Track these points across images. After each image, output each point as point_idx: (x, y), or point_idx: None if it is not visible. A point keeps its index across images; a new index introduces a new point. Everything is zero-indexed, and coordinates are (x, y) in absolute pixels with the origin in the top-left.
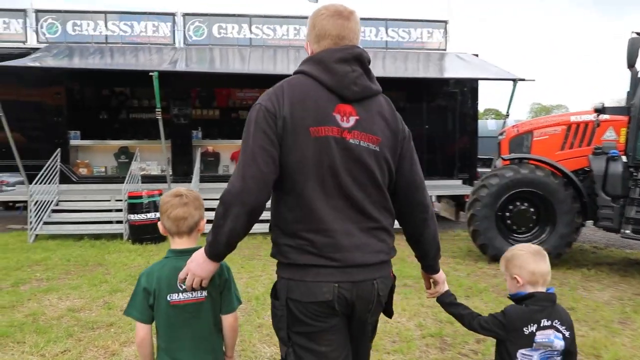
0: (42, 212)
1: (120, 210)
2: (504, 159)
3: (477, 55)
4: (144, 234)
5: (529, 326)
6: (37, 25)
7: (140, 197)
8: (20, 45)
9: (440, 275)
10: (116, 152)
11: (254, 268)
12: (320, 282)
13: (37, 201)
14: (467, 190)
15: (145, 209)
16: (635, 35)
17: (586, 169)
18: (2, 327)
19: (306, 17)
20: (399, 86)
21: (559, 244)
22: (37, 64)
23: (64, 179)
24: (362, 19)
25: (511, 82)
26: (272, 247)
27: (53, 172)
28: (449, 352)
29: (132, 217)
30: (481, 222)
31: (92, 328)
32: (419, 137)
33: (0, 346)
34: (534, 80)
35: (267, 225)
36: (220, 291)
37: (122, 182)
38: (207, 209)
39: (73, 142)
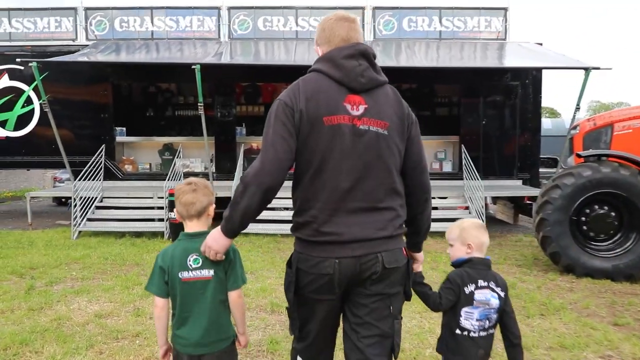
0: (86, 208)
1: (162, 208)
2: (579, 156)
3: (540, 45)
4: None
5: (469, 285)
6: (86, 23)
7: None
8: (70, 43)
9: (421, 255)
10: (160, 149)
11: None
12: (323, 257)
13: (81, 198)
14: (528, 191)
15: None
16: None
17: None
18: (24, 332)
19: (354, 8)
20: (453, 79)
21: None
22: (84, 59)
23: (110, 176)
24: (412, 8)
25: (582, 73)
26: (293, 221)
27: (98, 168)
28: None
29: (172, 215)
30: (553, 228)
31: (117, 338)
32: (474, 134)
33: (16, 356)
34: (610, 68)
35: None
36: (226, 271)
37: (166, 179)
38: None
39: (119, 139)
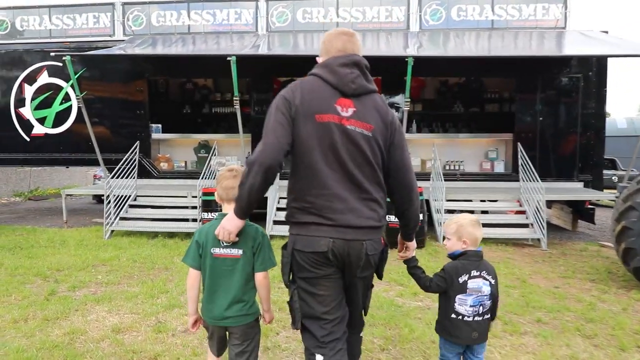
0: (120, 207)
1: (196, 208)
2: None
3: (606, 33)
4: None
5: (462, 276)
6: (123, 18)
7: (215, 193)
8: (107, 38)
9: (413, 244)
10: (196, 147)
11: None
12: (319, 236)
13: (115, 196)
14: (590, 194)
15: (220, 206)
16: None
17: None
18: (32, 349)
19: None
20: (507, 71)
21: None
22: (117, 52)
23: (146, 174)
24: None
25: None
26: (286, 212)
27: (132, 166)
28: None
29: (206, 215)
30: (638, 239)
31: None
32: (531, 132)
33: None
34: None
35: None
36: (254, 252)
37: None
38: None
39: (155, 136)
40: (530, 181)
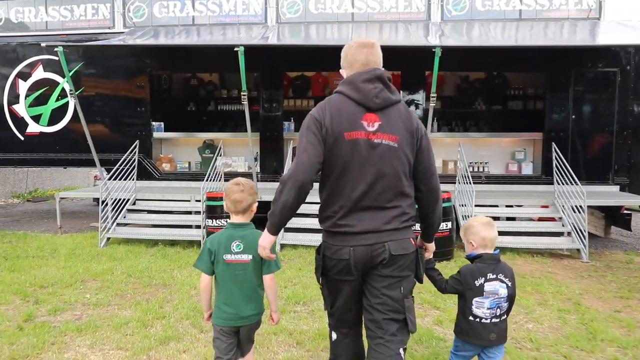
0: (117, 212)
1: (200, 213)
2: None
3: None
4: None
5: (479, 279)
6: (124, 9)
7: (220, 198)
8: (107, 31)
9: (432, 246)
10: (200, 146)
11: None
12: (341, 246)
13: (113, 200)
14: (627, 199)
15: (226, 213)
16: None
17: None
18: None
19: None
20: (536, 65)
21: None
22: (118, 43)
23: (147, 175)
24: None
25: None
26: (319, 217)
27: (131, 167)
28: None
29: (210, 222)
30: None
31: None
32: (562, 131)
33: None
34: None
35: None
36: (261, 257)
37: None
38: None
39: (156, 135)
40: (565, 184)
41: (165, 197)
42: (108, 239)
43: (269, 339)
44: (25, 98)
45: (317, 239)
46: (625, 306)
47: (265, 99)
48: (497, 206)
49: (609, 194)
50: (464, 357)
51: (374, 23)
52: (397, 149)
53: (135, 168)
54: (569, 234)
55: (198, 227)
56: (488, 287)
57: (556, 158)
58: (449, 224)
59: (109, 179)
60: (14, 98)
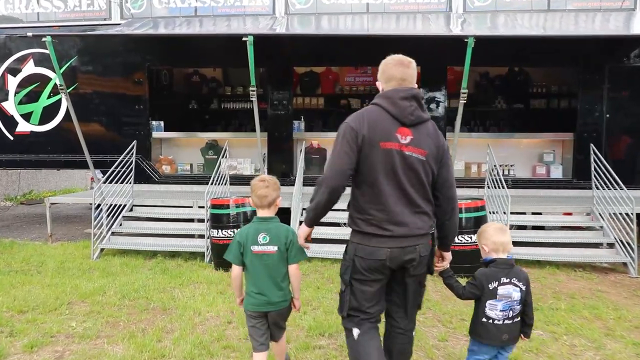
0: (112, 219)
1: (203, 221)
2: None
3: None
4: None
5: (492, 283)
6: None
7: (227, 206)
8: (102, 22)
9: (449, 255)
10: (203, 147)
11: None
12: (379, 247)
13: (108, 206)
14: None
15: (233, 222)
16: None
17: None
18: None
19: None
20: (566, 61)
21: None
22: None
23: (145, 178)
24: None
25: None
26: (348, 219)
27: (128, 169)
28: None
29: (215, 233)
30: None
31: None
32: (595, 131)
33: None
34: None
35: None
36: (287, 248)
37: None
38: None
39: (156, 134)
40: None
41: (165, 203)
42: (102, 249)
43: None
44: (15, 95)
45: (335, 251)
46: None
47: (274, 96)
48: (524, 213)
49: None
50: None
51: (391, 15)
52: (424, 162)
53: (133, 170)
54: (610, 245)
55: (201, 236)
56: (501, 290)
57: (595, 160)
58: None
59: (104, 182)
60: (3, 95)
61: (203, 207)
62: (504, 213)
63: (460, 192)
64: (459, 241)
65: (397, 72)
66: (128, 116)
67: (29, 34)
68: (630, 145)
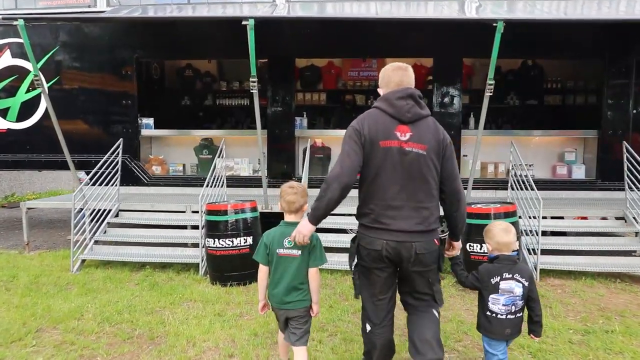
0: (96, 226)
1: (197, 228)
2: None
3: None
4: (229, 269)
5: (494, 278)
6: None
7: (224, 212)
8: (86, 9)
9: (459, 244)
10: (197, 146)
11: None
12: (377, 238)
13: (91, 211)
14: None
15: (231, 230)
16: None
17: None
18: None
19: None
20: (592, 52)
21: None
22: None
23: (133, 180)
24: None
25: None
26: (356, 212)
27: (115, 170)
28: None
29: (211, 242)
30: None
31: None
32: (621, 128)
33: None
34: None
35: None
36: (309, 252)
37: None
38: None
39: (145, 132)
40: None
41: (155, 207)
42: (83, 260)
43: None
44: None
45: (346, 261)
46: None
47: (274, 91)
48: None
49: None
50: (499, 355)
51: (400, 1)
52: (425, 156)
53: (119, 171)
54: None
55: (195, 245)
56: (503, 285)
57: (628, 159)
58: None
59: (89, 184)
60: None
61: (197, 212)
62: (532, 217)
63: (476, 194)
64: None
65: (395, 76)
66: (115, 112)
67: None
68: None
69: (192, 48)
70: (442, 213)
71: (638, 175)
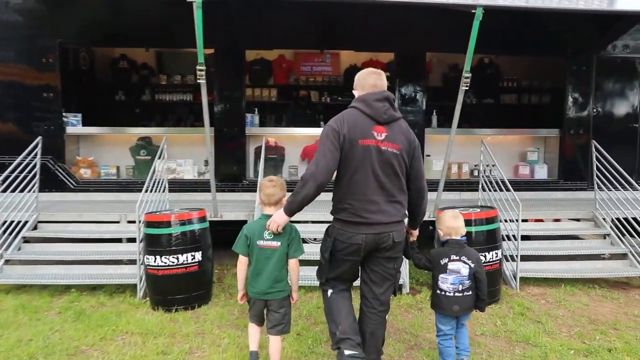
0: (7, 241)
1: (134, 240)
2: None
3: None
4: (174, 291)
5: (443, 259)
6: None
7: (166, 223)
8: None
9: (416, 231)
10: (134, 146)
11: None
12: (356, 233)
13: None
14: None
15: (176, 245)
16: None
17: None
18: None
19: None
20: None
21: None
22: None
23: (57, 185)
24: None
25: None
26: (332, 208)
27: (33, 174)
28: None
29: (151, 260)
30: None
31: None
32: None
33: None
34: None
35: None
36: (288, 244)
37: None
38: None
39: (71, 130)
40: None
41: (84, 218)
42: None
43: None
44: None
45: (311, 276)
46: None
47: (223, 85)
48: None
49: None
50: (446, 335)
51: None
52: (398, 155)
53: (38, 175)
54: (623, 255)
55: (132, 262)
56: (451, 266)
57: (598, 158)
58: (498, 253)
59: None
60: None
61: (134, 221)
62: (509, 221)
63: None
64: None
65: (370, 79)
66: (34, 107)
67: None
68: (620, 142)
69: (126, 34)
70: None
71: (608, 175)
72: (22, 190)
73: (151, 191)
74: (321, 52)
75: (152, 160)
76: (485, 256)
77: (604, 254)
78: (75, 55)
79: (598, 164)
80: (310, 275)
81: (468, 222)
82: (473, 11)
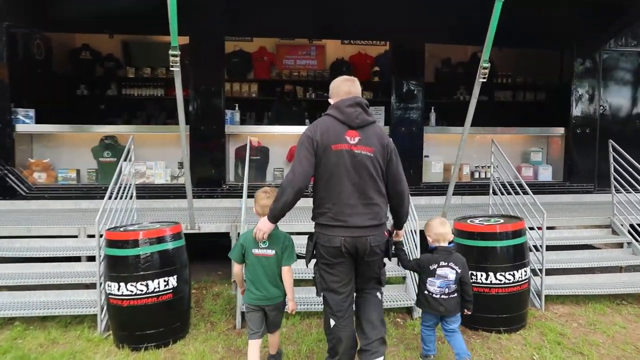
0: None
1: (94, 259)
2: None
3: None
4: (143, 326)
5: (432, 265)
6: None
7: (133, 242)
8: None
9: (402, 232)
10: (96, 146)
11: None
12: (334, 235)
13: None
14: None
15: (145, 269)
16: None
17: None
18: None
19: None
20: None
21: None
22: None
23: (5, 192)
24: None
25: None
26: (312, 214)
27: None
28: None
29: (114, 288)
30: None
31: None
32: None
33: None
34: None
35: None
36: (282, 252)
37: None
38: None
39: (22, 128)
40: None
41: (33, 232)
42: None
43: None
44: None
45: (307, 299)
46: None
47: (199, 77)
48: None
49: None
50: (429, 326)
51: None
52: (372, 157)
53: None
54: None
55: (91, 286)
56: (440, 271)
57: (615, 159)
58: (526, 272)
59: None
60: None
61: (93, 235)
62: (532, 229)
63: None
64: (499, 281)
65: (344, 86)
66: None
67: None
68: (630, 143)
69: (86, 17)
70: None
71: (627, 177)
72: None
73: (116, 198)
74: (310, 42)
75: (118, 162)
76: (513, 275)
77: (623, 265)
78: (26, 42)
79: (615, 164)
80: (306, 297)
81: (492, 237)
82: None
